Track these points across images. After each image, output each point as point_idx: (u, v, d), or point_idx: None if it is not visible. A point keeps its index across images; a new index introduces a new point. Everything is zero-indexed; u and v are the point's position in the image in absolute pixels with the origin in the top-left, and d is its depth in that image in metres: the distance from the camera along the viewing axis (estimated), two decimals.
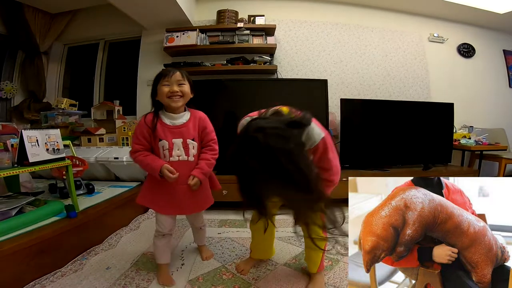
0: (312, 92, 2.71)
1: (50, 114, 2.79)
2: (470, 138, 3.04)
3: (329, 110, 2.75)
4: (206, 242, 1.69)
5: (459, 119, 3.29)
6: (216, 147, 1.36)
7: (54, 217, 1.51)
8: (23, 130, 1.40)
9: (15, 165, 1.40)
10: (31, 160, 1.39)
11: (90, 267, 1.41)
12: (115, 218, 1.81)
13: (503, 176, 3.43)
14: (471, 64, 3.46)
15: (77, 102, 2.96)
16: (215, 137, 1.37)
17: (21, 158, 1.39)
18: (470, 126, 3.29)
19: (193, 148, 1.29)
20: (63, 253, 1.43)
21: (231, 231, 1.95)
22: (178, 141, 1.25)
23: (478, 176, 3.10)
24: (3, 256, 1.16)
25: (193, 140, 1.28)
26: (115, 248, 1.63)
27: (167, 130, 1.24)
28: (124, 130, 2.49)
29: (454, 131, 3.14)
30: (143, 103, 3.08)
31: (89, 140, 2.51)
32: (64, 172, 1.86)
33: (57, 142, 1.56)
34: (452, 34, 3.42)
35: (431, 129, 2.89)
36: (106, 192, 1.99)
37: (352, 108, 2.75)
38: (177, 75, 1.22)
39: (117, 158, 2.14)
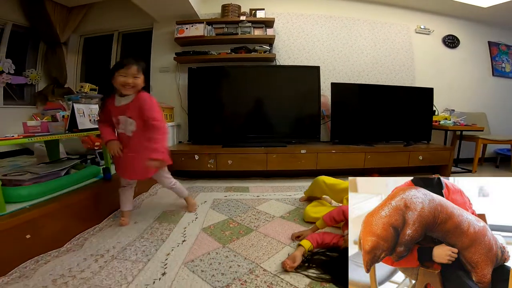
0: (306, 77, 3.09)
1: (75, 97, 3.13)
2: (450, 120, 3.36)
3: (321, 93, 3.14)
4: (214, 202, 2.08)
5: (442, 103, 3.65)
6: (158, 124, 1.51)
7: (93, 179, 1.87)
8: (74, 104, 1.76)
9: (67, 132, 1.76)
10: (80, 127, 1.75)
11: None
12: (138, 185, 2.02)
13: (483, 157, 3.78)
14: (455, 54, 3.77)
15: (97, 87, 3.30)
16: (156, 114, 1.52)
17: (71, 126, 1.75)
18: (452, 110, 3.62)
19: (131, 125, 1.52)
20: (100, 210, 1.72)
21: (235, 195, 2.33)
22: (122, 118, 1.52)
23: (457, 153, 3.46)
24: (58, 209, 1.39)
25: (130, 118, 1.51)
26: (139, 209, 1.95)
27: (115, 109, 1.53)
28: None
29: (436, 113, 3.49)
30: (156, 88, 3.45)
31: None
32: (95, 143, 2.23)
33: (96, 115, 1.91)
34: (438, 26, 3.73)
35: (413, 111, 3.25)
36: None
37: (342, 91, 3.13)
38: (134, 69, 1.44)
39: None
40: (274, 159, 2.76)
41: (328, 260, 1.22)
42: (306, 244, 1.30)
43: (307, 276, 1.13)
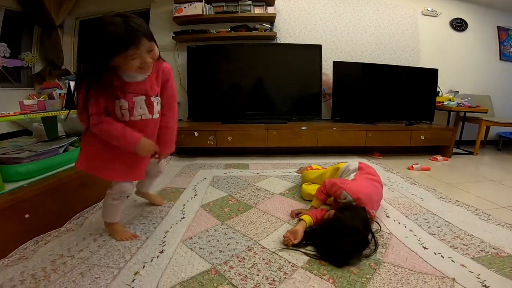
0: (308, 56, 3.04)
1: (71, 77, 3.09)
2: (454, 101, 3.30)
3: (323, 71, 3.08)
4: (214, 179, 2.07)
5: (446, 85, 3.59)
6: (176, 104, 1.26)
7: None
8: (70, 81, 1.73)
9: (63, 109, 1.74)
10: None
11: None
12: None
13: (486, 139, 3.74)
14: (463, 37, 3.67)
15: None
16: (176, 91, 1.25)
17: (68, 104, 1.73)
18: (456, 91, 3.56)
19: (157, 104, 1.15)
20: (100, 189, 1.67)
21: (235, 172, 2.32)
22: (140, 99, 1.08)
23: (459, 135, 3.44)
24: (57, 187, 1.37)
25: (157, 96, 1.14)
26: None
27: (126, 87, 1.05)
28: None
29: (440, 94, 3.44)
30: None
31: None
32: None
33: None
34: (445, 8, 3.61)
35: (417, 91, 3.20)
36: None
37: (344, 69, 3.09)
38: (145, 41, 0.96)
39: None
40: (274, 136, 2.75)
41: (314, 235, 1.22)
42: (307, 218, 1.30)
43: (305, 254, 1.13)
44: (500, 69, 3.81)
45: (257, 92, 3.05)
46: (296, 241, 1.18)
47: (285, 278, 0.99)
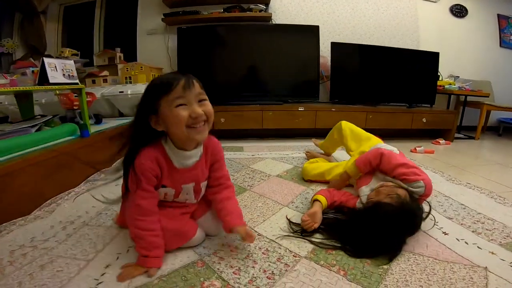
0: (305, 37, 2.88)
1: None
2: (455, 85, 3.20)
3: (320, 54, 2.94)
4: None
5: (446, 70, 3.47)
6: (231, 183, 1.02)
7: (69, 137, 1.66)
8: (44, 58, 1.56)
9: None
10: (50, 81, 1.54)
11: (102, 185, 1.47)
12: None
13: (486, 125, 3.64)
14: (463, 24, 3.57)
15: (79, 52, 3.07)
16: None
17: (42, 81, 1.54)
18: (456, 76, 3.46)
19: (203, 189, 0.97)
20: (77, 171, 1.54)
21: (229, 154, 2.16)
22: (189, 187, 0.90)
23: (460, 120, 3.33)
24: (28, 166, 1.20)
25: (206, 180, 0.96)
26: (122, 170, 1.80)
27: (176, 175, 0.86)
28: (127, 70, 2.63)
29: (440, 78, 3.31)
30: (144, 52, 3.24)
31: (94, 82, 2.65)
32: (74, 103, 2.03)
33: (72, 70, 1.72)
34: None
35: (418, 74, 3.08)
36: (112, 123, 2.15)
37: (343, 50, 2.95)
38: (196, 85, 0.78)
39: (122, 91, 2.30)
40: (270, 117, 2.62)
41: (336, 222, 1.06)
42: (322, 200, 1.14)
43: (310, 242, 0.97)
44: (500, 56, 3.73)
45: (252, 74, 2.90)
46: (316, 225, 1.03)
47: (286, 270, 0.83)
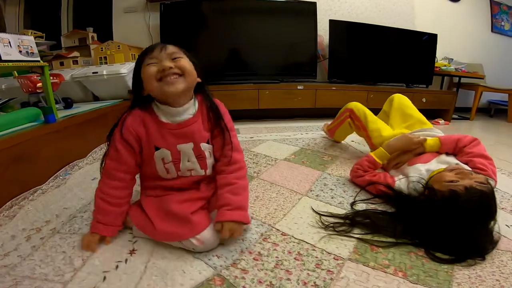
0: (301, 14, 2.68)
1: None
2: (451, 66, 3.17)
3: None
4: None
5: (441, 52, 3.39)
6: (242, 160, 0.87)
7: (31, 123, 1.35)
8: None
9: None
10: (3, 58, 1.26)
11: (74, 180, 1.25)
12: (97, 132, 1.66)
13: (477, 108, 3.64)
14: (456, 8, 3.53)
15: (44, 34, 2.70)
16: (237, 140, 0.88)
17: None
18: (451, 58, 3.41)
19: (210, 156, 0.84)
20: (43, 165, 1.26)
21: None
22: (186, 148, 0.79)
23: (454, 100, 3.28)
24: None
25: (207, 142, 0.83)
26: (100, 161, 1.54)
27: (166, 132, 0.78)
28: (102, 50, 2.31)
29: (436, 60, 3.23)
30: (121, 31, 2.90)
31: (62, 64, 2.30)
32: (37, 85, 1.72)
33: (31, 47, 1.43)
34: None
35: (415, 54, 3.00)
36: (85, 107, 1.84)
37: (341, 29, 2.81)
38: (170, 47, 0.75)
39: (96, 72, 1.98)
40: (267, 96, 2.44)
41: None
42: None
43: (361, 240, 0.79)
44: (492, 40, 3.79)
45: (245, 53, 2.66)
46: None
47: (331, 279, 0.65)
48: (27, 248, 0.75)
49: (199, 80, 0.79)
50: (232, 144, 0.83)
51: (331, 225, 0.85)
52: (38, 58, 1.46)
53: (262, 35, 2.66)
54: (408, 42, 2.99)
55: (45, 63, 1.45)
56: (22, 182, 1.11)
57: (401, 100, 1.50)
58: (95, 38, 2.60)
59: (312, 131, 2.12)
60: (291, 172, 1.30)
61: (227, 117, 0.86)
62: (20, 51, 1.37)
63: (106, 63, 2.27)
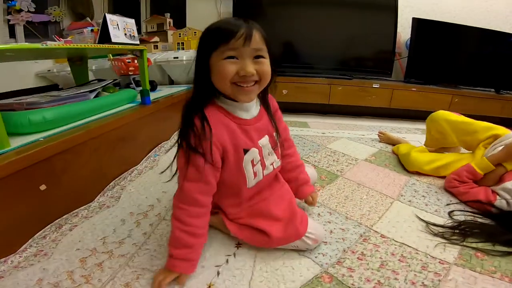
0: (381, 10, 2.52)
1: None
2: None
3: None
4: None
5: None
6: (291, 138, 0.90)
7: (129, 104, 1.46)
8: (106, 14, 1.36)
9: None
10: (113, 40, 1.34)
11: (164, 163, 1.31)
12: (178, 115, 1.77)
13: None
14: None
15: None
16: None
17: (103, 40, 1.35)
18: None
19: (278, 142, 0.79)
20: (139, 145, 1.36)
21: (295, 130, 1.92)
22: (265, 142, 0.73)
23: None
24: (88, 141, 0.99)
25: (275, 132, 0.78)
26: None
27: (249, 129, 0.69)
28: (180, 36, 2.41)
29: None
30: (193, 18, 2.98)
31: None
32: (129, 68, 1.85)
33: (133, 30, 1.52)
34: None
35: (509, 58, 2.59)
36: (166, 90, 1.96)
37: (425, 27, 2.56)
38: (256, 38, 0.60)
39: (176, 57, 2.11)
40: (339, 92, 2.35)
41: None
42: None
43: (481, 250, 0.76)
44: None
45: (318, 45, 2.56)
46: None
47: (439, 281, 0.65)
48: (139, 235, 0.80)
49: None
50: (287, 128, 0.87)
51: (441, 233, 0.82)
52: (138, 41, 1.55)
53: (338, 29, 2.55)
54: (501, 44, 2.60)
55: (145, 47, 1.53)
56: (121, 162, 1.20)
57: (445, 116, 1.31)
58: (171, 24, 2.71)
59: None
60: (375, 174, 1.25)
61: (276, 104, 0.83)
62: (125, 34, 1.47)
63: (183, 48, 2.37)
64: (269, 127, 0.75)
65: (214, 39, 0.60)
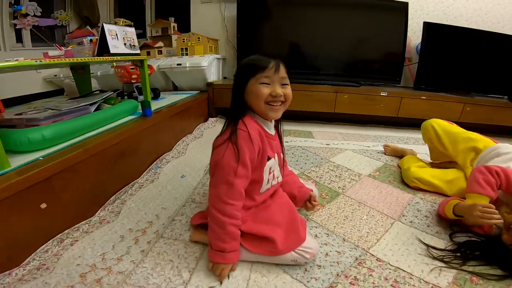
0: (390, 15, 2.45)
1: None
2: None
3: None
4: None
5: None
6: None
7: (130, 116, 1.46)
8: (104, 24, 1.34)
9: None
10: (112, 51, 1.33)
11: (165, 176, 1.32)
12: (181, 124, 1.77)
13: None
14: None
15: (132, 23, 2.89)
16: None
17: (101, 51, 1.34)
18: None
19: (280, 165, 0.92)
20: (140, 158, 1.35)
21: (298, 140, 1.89)
22: (276, 158, 0.87)
23: None
24: (88, 158, 0.99)
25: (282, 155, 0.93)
26: (184, 156, 1.56)
27: (271, 142, 0.84)
28: (184, 41, 2.39)
29: None
30: (198, 22, 2.98)
31: (148, 53, 2.46)
32: (132, 76, 1.84)
33: (133, 39, 1.51)
34: None
35: None
36: (169, 98, 1.95)
37: (437, 32, 2.48)
38: (282, 70, 0.78)
39: (180, 64, 2.09)
40: (345, 100, 2.29)
41: None
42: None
43: (477, 274, 0.74)
44: None
45: (322, 51, 2.52)
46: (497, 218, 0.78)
47: None
48: (137, 253, 0.81)
49: None
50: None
51: (441, 256, 0.80)
52: (138, 51, 1.54)
53: (343, 32, 2.50)
54: None
55: (145, 57, 1.52)
56: (122, 176, 1.20)
57: (433, 124, 1.29)
58: (176, 28, 2.70)
59: (392, 143, 1.86)
60: (378, 192, 1.21)
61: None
62: (125, 44, 1.45)
63: (187, 54, 2.36)
64: (279, 148, 0.89)
65: (252, 68, 0.77)
